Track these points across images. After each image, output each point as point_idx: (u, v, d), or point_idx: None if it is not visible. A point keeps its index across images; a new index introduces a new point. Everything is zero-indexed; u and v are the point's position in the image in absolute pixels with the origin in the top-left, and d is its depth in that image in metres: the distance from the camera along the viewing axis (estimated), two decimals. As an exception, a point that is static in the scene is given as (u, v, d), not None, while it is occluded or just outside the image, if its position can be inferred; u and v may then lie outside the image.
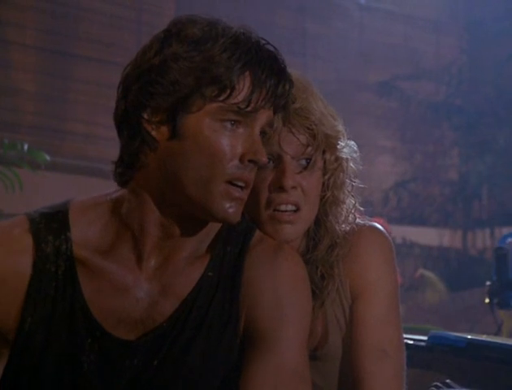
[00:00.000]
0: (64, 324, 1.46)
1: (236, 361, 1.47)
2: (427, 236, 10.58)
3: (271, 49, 1.43)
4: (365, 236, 1.71)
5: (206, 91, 1.39)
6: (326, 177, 1.67)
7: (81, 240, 1.49)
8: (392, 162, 10.99)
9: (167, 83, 1.39)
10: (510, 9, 10.74)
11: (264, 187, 1.61)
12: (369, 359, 1.65)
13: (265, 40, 1.44)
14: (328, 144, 1.64)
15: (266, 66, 1.41)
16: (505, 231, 5.98)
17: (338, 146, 1.67)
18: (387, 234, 1.74)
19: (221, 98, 1.39)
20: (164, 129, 1.41)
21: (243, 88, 1.40)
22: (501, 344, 2.53)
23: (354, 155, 1.71)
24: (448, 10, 11.33)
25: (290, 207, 1.62)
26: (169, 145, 1.41)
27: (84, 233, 1.49)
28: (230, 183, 1.42)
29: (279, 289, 1.49)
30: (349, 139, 1.71)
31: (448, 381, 2.06)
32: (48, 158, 5.40)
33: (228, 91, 1.39)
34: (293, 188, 1.61)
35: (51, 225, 1.49)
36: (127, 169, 1.45)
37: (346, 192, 1.70)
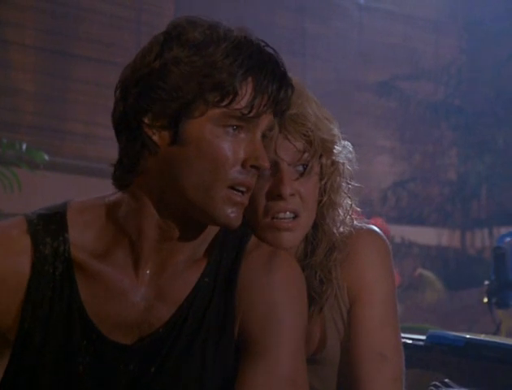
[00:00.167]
0: (61, 325, 1.46)
1: (233, 367, 1.47)
2: (426, 235, 10.58)
3: (272, 52, 1.43)
4: (362, 240, 1.70)
5: (209, 97, 1.38)
6: (323, 182, 1.66)
7: (79, 242, 1.49)
8: (391, 162, 10.98)
9: (168, 88, 1.38)
10: (510, 9, 10.74)
11: (261, 195, 1.60)
12: (367, 363, 1.65)
13: (264, 42, 1.44)
14: (325, 148, 1.64)
15: (268, 71, 1.40)
16: (504, 230, 5.99)
17: (334, 150, 1.66)
18: (384, 237, 1.74)
19: (223, 104, 1.39)
20: (165, 134, 1.41)
21: (245, 93, 1.39)
22: (499, 343, 2.53)
23: (350, 156, 1.71)
24: (447, 10, 11.32)
25: (289, 215, 1.61)
26: (170, 150, 1.41)
27: (82, 235, 1.49)
28: (231, 188, 1.42)
29: (273, 295, 1.48)
30: (348, 139, 1.71)
31: (446, 380, 2.07)
32: (47, 157, 5.40)
33: (231, 97, 1.38)
34: (292, 195, 1.61)
35: (49, 226, 1.49)
36: (126, 173, 1.45)
37: (343, 194, 1.69)
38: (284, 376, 1.44)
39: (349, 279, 1.70)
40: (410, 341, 2.52)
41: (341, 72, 10.39)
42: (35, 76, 8.06)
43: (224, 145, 1.40)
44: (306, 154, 1.62)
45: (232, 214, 1.43)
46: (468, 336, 2.52)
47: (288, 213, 1.61)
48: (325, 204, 1.68)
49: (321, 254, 1.69)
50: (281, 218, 1.61)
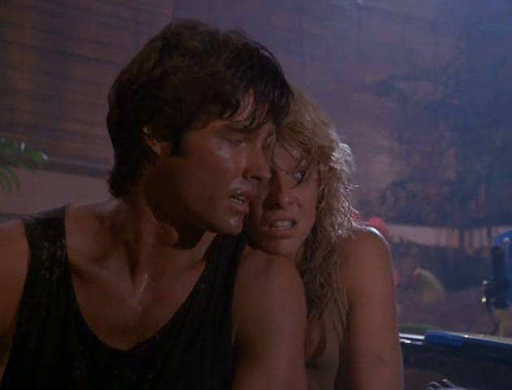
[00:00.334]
0: (58, 329, 1.45)
1: (231, 374, 1.46)
2: (425, 235, 10.59)
3: (271, 58, 1.41)
4: (361, 243, 1.69)
5: (211, 108, 1.36)
6: (321, 188, 1.65)
7: (76, 248, 1.48)
8: (390, 162, 10.99)
9: (170, 100, 1.36)
10: (508, 10, 10.75)
11: (259, 203, 1.58)
12: (366, 366, 1.64)
13: (261, 45, 1.42)
14: (322, 155, 1.62)
15: (269, 80, 1.39)
16: (502, 230, 5.99)
17: (332, 157, 1.65)
18: (383, 239, 1.73)
19: (226, 115, 1.37)
20: (166, 145, 1.39)
21: (247, 104, 1.38)
22: (497, 343, 2.53)
23: (348, 159, 1.70)
24: (445, 10, 11.33)
25: (287, 223, 1.60)
26: (171, 160, 1.39)
27: (79, 241, 1.48)
28: (233, 197, 1.41)
29: (270, 301, 1.47)
30: (346, 139, 1.70)
31: (445, 380, 2.07)
32: (45, 157, 5.39)
33: (234, 109, 1.37)
34: (290, 203, 1.59)
35: (47, 232, 1.48)
36: (124, 181, 1.43)
37: (341, 198, 1.69)
38: (282, 380, 1.43)
39: (349, 282, 1.69)
40: (409, 341, 2.52)
41: (339, 72, 10.40)
42: (33, 76, 8.07)
43: (227, 156, 1.39)
44: (304, 162, 1.60)
45: (234, 223, 1.43)
46: (466, 336, 2.52)
47: (286, 221, 1.60)
48: (323, 209, 1.66)
49: (320, 258, 1.68)
50: (279, 227, 1.59)
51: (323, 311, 1.69)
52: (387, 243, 1.73)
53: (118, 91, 1.41)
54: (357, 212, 1.73)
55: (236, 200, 1.41)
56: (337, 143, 1.66)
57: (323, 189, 1.65)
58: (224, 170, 1.39)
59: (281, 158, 1.59)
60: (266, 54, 1.41)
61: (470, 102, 11.00)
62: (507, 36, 10.76)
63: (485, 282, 4.25)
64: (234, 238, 1.51)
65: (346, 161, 1.68)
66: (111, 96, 1.42)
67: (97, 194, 1.54)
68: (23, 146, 5.33)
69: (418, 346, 2.55)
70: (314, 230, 1.68)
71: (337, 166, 1.65)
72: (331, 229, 1.67)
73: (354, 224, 1.71)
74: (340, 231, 1.68)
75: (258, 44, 1.42)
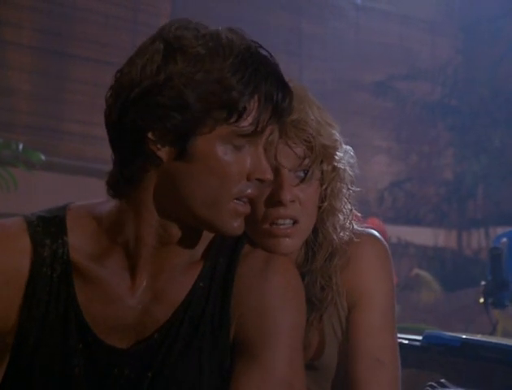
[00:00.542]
0: (57, 327, 1.46)
1: (229, 372, 1.46)
2: (422, 235, 10.59)
3: (270, 58, 1.41)
4: (362, 245, 1.69)
5: (217, 114, 1.36)
6: (323, 187, 1.65)
7: (77, 246, 1.48)
8: (388, 162, 10.99)
9: (175, 106, 1.36)
10: (506, 9, 10.75)
11: (261, 201, 1.58)
12: (364, 367, 1.64)
13: (258, 43, 1.42)
14: (326, 154, 1.62)
15: (272, 83, 1.39)
16: (500, 231, 5.99)
17: (336, 156, 1.65)
18: (383, 241, 1.73)
19: (231, 121, 1.37)
20: (171, 150, 1.39)
21: (252, 110, 1.38)
22: (495, 343, 2.53)
23: (351, 161, 1.70)
24: (443, 10, 11.33)
25: (288, 221, 1.60)
26: (175, 165, 1.40)
27: (80, 239, 1.49)
28: (236, 199, 1.42)
29: (269, 299, 1.47)
30: (344, 139, 1.70)
31: (443, 381, 2.07)
32: (43, 157, 5.39)
33: (239, 114, 1.37)
34: (292, 201, 1.59)
35: (49, 229, 1.48)
36: (125, 184, 1.43)
37: (344, 199, 1.68)
38: (281, 381, 1.43)
39: (349, 284, 1.69)
40: (407, 341, 2.52)
41: (338, 72, 10.40)
42: (32, 76, 8.06)
43: (231, 160, 1.39)
44: (307, 160, 1.60)
45: (237, 225, 1.44)
46: (464, 337, 2.52)
47: (287, 219, 1.60)
48: (325, 209, 1.66)
49: (321, 260, 1.68)
50: (280, 225, 1.59)
51: (323, 314, 1.69)
52: (387, 245, 1.73)
53: (118, 93, 1.40)
54: (359, 215, 1.72)
55: (239, 202, 1.41)
56: (341, 144, 1.66)
57: (326, 189, 1.65)
58: (229, 174, 1.39)
59: (285, 155, 1.59)
60: (266, 53, 1.42)
61: (468, 102, 11.00)
62: (505, 37, 10.76)
63: (483, 282, 4.24)
64: (234, 237, 1.51)
65: (349, 163, 1.68)
66: (110, 97, 1.42)
67: (95, 194, 1.54)
68: (21, 146, 5.33)
69: (416, 346, 2.55)
70: (315, 231, 1.67)
71: (340, 167, 1.65)
72: (332, 230, 1.67)
73: (355, 226, 1.71)
74: (341, 234, 1.68)
75: (257, 43, 1.42)
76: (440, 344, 2.51)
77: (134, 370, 1.45)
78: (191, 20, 1.42)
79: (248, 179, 1.42)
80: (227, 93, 1.36)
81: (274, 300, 1.47)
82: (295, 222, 1.61)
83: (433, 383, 2.05)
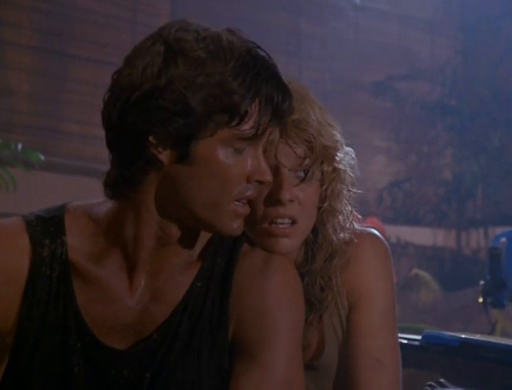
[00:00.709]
0: (57, 327, 1.46)
1: (228, 372, 1.46)
2: (422, 235, 10.59)
3: (268, 59, 1.41)
4: (362, 245, 1.69)
5: (219, 118, 1.37)
6: (323, 188, 1.65)
7: (76, 246, 1.48)
8: (387, 162, 10.99)
9: (177, 110, 1.35)
10: (506, 10, 10.75)
11: (260, 200, 1.58)
12: (364, 368, 1.64)
13: (256, 44, 1.42)
14: (326, 155, 1.62)
15: (273, 85, 1.40)
16: (499, 230, 5.98)
17: (336, 157, 1.65)
18: (383, 240, 1.73)
19: (232, 124, 1.38)
20: (173, 153, 1.39)
21: (253, 113, 1.39)
22: (494, 343, 2.53)
23: (352, 162, 1.69)
24: (442, 10, 11.33)
25: (287, 221, 1.60)
26: (176, 168, 1.40)
27: (79, 240, 1.49)
28: (236, 200, 1.43)
29: (267, 300, 1.47)
30: (343, 139, 1.70)
31: (442, 380, 2.07)
32: (42, 157, 5.39)
33: (241, 118, 1.38)
34: (291, 201, 1.59)
35: (48, 229, 1.49)
36: (125, 185, 1.43)
37: (344, 201, 1.68)
38: (280, 381, 1.43)
39: (349, 284, 1.69)
40: (406, 341, 2.52)
41: (337, 72, 10.40)
42: (31, 76, 8.06)
43: (232, 163, 1.40)
44: (307, 160, 1.60)
45: (237, 226, 1.45)
46: (463, 336, 2.52)
47: (286, 219, 1.60)
48: (325, 210, 1.66)
49: (321, 261, 1.68)
50: (279, 224, 1.59)
51: (322, 314, 1.69)
52: (387, 244, 1.73)
53: (118, 95, 1.39)
54: (359, 216, 1.72)
55: (238, 203, 1.42)
56: (342, 145, 1.66)
57: (326, 190, 1.65)
58: (230, 177, 1.40)
59: (285, 154, 1.59)
60: (263, 54, 1.42)
61: (467, 103, 11.00)
62: (505, 37, 10.76)
63: (482, 282, 4.24)
64: (232, 237, 1.51)
65: (350, 164, 1.68)
66: (108, 99, 1.41)
67: (95, 194, 1.54)
68: (20, 146, 5.33)
69: (415, 346, 2.55)
70: (315, 231, 1.67)
71: (341, 168, 1.65)
72: (332, 231, 1.67)
73: (356, 226, 1.71)
74: (341, 235, 1.68)
75: (255, 44, 1.42)
76: (439, 343, 2.51)
77: (133, 370, 1.46)
78: (190, 21, 1.42)
79: (248, 180, 1.43)
80: (228, 96, 1.36)
81: (273, 299, 1.47)
82: (294, 222, 1.61)
83: (432, 383, 2.05)
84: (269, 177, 1.45)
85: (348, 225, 1.69)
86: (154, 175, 1.41)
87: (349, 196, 1.69)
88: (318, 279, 1.68)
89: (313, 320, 1.69)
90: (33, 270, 1.47)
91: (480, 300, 4.26)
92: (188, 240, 1.49)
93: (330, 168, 1.64)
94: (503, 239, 4.12)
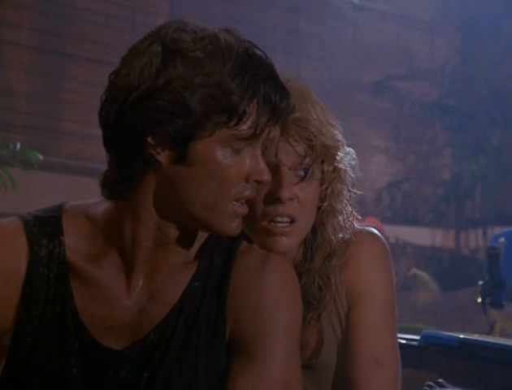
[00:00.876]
0: (54, 327, 1.46)
1: (226, 372, 1.46)
2: (420, 235, 10.59)
3: (265, 59, 1.41)
4: (361, 243, 1.69)
5: (217, 119, 1.37)
6: (323, 187, 1.65)
7: (73, 246, 1.48)
8: (386, 162, 10.99)
9: (176, 111, 1.35)
10: (505, 10, 10.76)
11: (260, 198, 1.58)
12: (363, 368, 1.64)
13: (253, 44, 1.42)
14: (327, 154, 1.62)
15: (270, 86, 1.40)
16: (498, 230, 5.99)
17: (337, 157, 1.65)
18: (382, 239, 1.73)
19: (231, 124, 1.37)
20: (171, 154, 1.39)
21: (251, 113, 1.39)
22: (493, 343, 2.54)
23: (353, 163, 1.69)
24: (441, 10, 11.33)
25: (286, 219, 1.60)
26: (174, 169, 1.40)
27: (76, 240, 1.49)
28: (234, 200, 1.42)
29: (264, 299, 1.47)
30: (345, 140, 1.70)
31: (440, 380, 2.07)
32: (41, 157, 5.39)
33: (239, 118, 1.37)
34: (290, 199, 1.59)
35: (45, 229, 1.48)
36: (122, 186, 1.43)
37: (344, 201, 1.68)
38: (278, 380, 1.43)
39: (348, 283, 1.69)
40: (404, 341, 2.53)
41: (335, 72, 10.40)
42: (30, 76, 8.06)
43: (231, 164, 1.40)
44: (308, 159, 1.60)
45: (235, 226, 1.45)
46: (462, 336, 2.53)
47: (285, 217, 1.60)
48: (325, 210, 1.66)
49: (320, 261, 1.67)
50: (278, 222, 1.59)
51: (320, 313, 1.68)
52: (386, 243, 1.73)
53: (115, 96, 1.39)
54: (359, 217, 1.72)
55: (236, 203, 1.42)
56: (343, 145, 1.66)
57: (326, 189, 1.65)
58: (229, 177, 1.40)
59: (285, 153, 1.59)
60: (261, 53, 1.42)
61: (466, 103, 11.01)
62: (504, 37, 10.76)
63: (481, 282, 4.25)
64: (229, 237, 1.52)
65: (350, 164, 1.68)
66: (106, 99, 1.41)
67: (94, 194, 1.54)
68: (18, 146, 5.33)
69: (414, 346, 2.55)
70: (314, 231, 1.67)
71: (341, 168, 1.65)
72: (332, 231, 1.67)
73: (355, 225, 1.71)
74: (340, 235, 1.67)
75: (252, 43, 1.42)
76: (437, 343, 2.52)
77: (130, 370, 1.45)
78: (187, 22, 1.42)
79: (246, 180, 1.42)
80: (227, 97, 1.36)
81: (270, 298, 1.47)
82: (293, 221, 1.61)
83: (431, 383, 2.05)
84: (267, 177, 1.45)
85: (348, 225, 1.69)
86: (152, 176, 1.41)
87: (350, 196, 1.69)
88: (317, 278, 1.68)
89: (311, 319, 1.68)
90: (31, 270, 1.46)
91: (479, 300, 4.26)
92: (185, 240, 1.49)
93: (330, 168, 1.64)
94: (502, 239, 4.13)
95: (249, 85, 1.37)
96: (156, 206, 1.43)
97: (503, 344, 2.51)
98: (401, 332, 2.38)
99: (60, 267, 1.47)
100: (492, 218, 10.55)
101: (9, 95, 7.92)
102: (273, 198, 1.59)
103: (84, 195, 1.59)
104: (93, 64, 8.17)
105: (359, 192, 1.71)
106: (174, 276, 1.49)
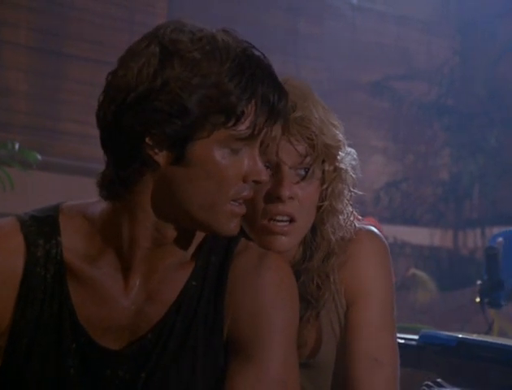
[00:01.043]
0: (51, 327, 1.46)
1: (223, 371, 1.46)
2: (419, 235, 10.59)
3: (264, 59, 1.41)
4: (360, 242, 1.69)
5: (214, 119, 1.37)
6: (324, 187, 1.65)
7: (70, 247, 1.48)
8: (384, 162, 10.99)
9: (173, 111, 1.35)
10: (503, 10, 10.76)
11: (260, 197, 1.59)
12: (362, 367, 1.64)
13: (251, 44, 1.42)
14: (328, 154, 1.62)
15: (269, 85, 1.40)
16: (496, 230, 5.99)
17: (338, 157, 1.65)
18: (382, 237, 1.73)
19: (229, 125, 1.38)
20: (169, 154, 1.39)
21: (249, 113, 1.39)
22: (491, 343, 2.54)
23: (354, 163, 1.69)
24: (440, 10, 11.33)
25: (285, 218, 1.60)
26: (172, 169, 1.40)
27: (73, 240, 1.49)
28: (232, 201, 1.43)
29: (261, 298, 1.47)
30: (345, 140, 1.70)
31: (439, 380, 2.07)
32: (39, 157, 5.38)
33: (237, 119, 1.38)
34: (290, 198, 1.59)
35: (42, 229, 1.48)
36: (120, 186, 1.43)
37: (345, 201, 1.68)
38: (276, 380, 1.43)
39: (347, 281, 1.69)
40: (403, 341, 2.52)
41: (334, 72, 10.40)
42: (28, 76, 8.05)
43: (229, 164, 1.40)
44: (308, 158, 1.60)
45: (233, 226, 1.45)
46: (460, 336, 2.53)
47: (285, 216, 1.60)
48: (325, 210, 1.66)
49: (319, 260, 1.68)
50: (278, 221, 1.60)
51: (319, 312, 1.68)
52: (385, 241, 1.73)
53: (113, 96, 1.39)
54: (360, 217, 1.72)
55: (235, 203, 1.42)
56: (344, 144, 1.66)
57: (327, 189, 1.65)
58: (227, 178, 1.40)
59: (286, 152, 1.59)
60: (258, 53, 1.42)
61: (464, 103, 11.01)
62: (502, 37, 10.76)
63: (479, 282, 4.26)
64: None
65: (351, 165, 1.68)
66: (103, 99, 1.41)
67: (92, 194, 1.54)
68: (17, 146, 5.32)
69: (412, 346, 2.55)
70: (314, 230, 1.67)
71: (342, 167, 1.65)
72: (331, 231, 1.67)
73: (355, 223, 1.71)
74: (340, 234, 1.67)
75: (249, 44, 1.42)
76: (436, 343, 2.52)
77: (128, 371, 1.45)
78: (185, 22, 1.42)
79: (244, 181, 1.43)
80: (225, 97, 1.36)
81: (267, 298, 1.47)
82: (292, 220, 1.61)
83: (429, 383, 2.05)
84: (265, 177, 1.45)
85: (348, 225, 1.69)
86: (150, 177, 1.41)
87: (350, 196, 1.69)
88: (315, 277, 1.68)
89: (310, 318, 1.68)
90: (28, 270, 1.46)
91: (477, 300, 4.27)
92: (183, 240, 1.49)
93: (331, 167, 1.64)
94: (500, 239, 4.13)
95: (246, 86, 1.37)
96: (154, 207, 1.43)
97: (501, 344, 2.51)
98: (399, 332, 2.38)
99: (57, 267, 1.47)
100: (491, 218, 10.55)
101: (7, 95, 7.92)
102: (273, 197, 1.59)
103: (83, 195, 1.58)
104: (91, 64, 8.17)
105: (360, 193, 1.71)
106: (171, 276, 1.49)
